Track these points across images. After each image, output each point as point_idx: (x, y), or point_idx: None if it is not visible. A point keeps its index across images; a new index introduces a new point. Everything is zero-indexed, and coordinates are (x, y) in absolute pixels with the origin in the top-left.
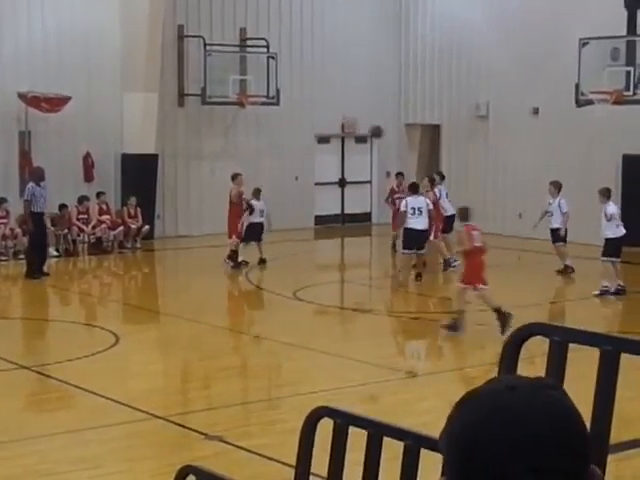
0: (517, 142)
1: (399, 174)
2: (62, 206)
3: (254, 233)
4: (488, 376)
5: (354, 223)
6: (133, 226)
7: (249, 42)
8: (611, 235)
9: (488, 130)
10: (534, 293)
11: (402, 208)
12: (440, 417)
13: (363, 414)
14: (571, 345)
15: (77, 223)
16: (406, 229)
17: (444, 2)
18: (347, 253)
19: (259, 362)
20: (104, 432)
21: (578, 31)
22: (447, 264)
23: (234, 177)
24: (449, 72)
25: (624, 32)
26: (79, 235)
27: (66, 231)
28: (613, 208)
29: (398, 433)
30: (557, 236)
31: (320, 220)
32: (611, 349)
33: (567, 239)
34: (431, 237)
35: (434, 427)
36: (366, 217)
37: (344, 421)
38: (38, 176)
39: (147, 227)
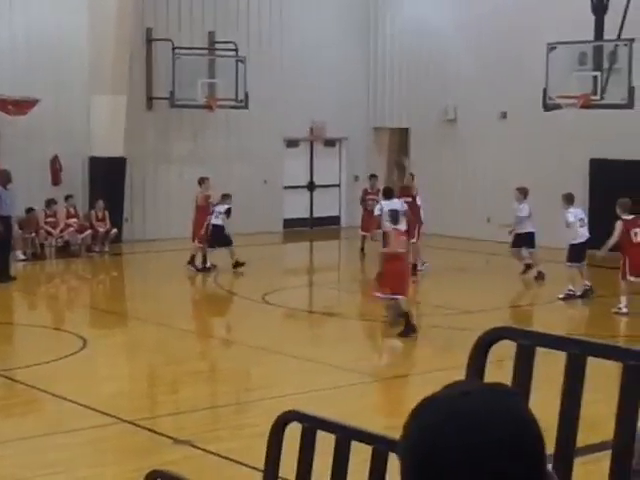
0: (485, 146)
1: (372, 176)
2: (29, 209)
3: (216, 237)
4: (456, 379)
5: (323, 227)
6: (101, 229)
7: (218, 45)
8: (572, 241)
9: (456, 134)
10: (502, 296)
11: (376, 212)
12: None
13: (331, 418)
14: (538, 348)
15: (45, 226)
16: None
17: (413, 6)
18: (316, 257)
19: (228, 366)
20: (72, 437)
21: (546, 36)
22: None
23: (201, 181)
24: (417, 76)
25: (591, 37)
26: (47, 239)
27: (33, 234)
28: (572, 216)
29: (366, 437)
30: (524, 241)
31: (289, 224)
32: (578, 352)
33: (525, 243)
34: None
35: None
36: (335, 220)
37: (312, 425)
38: (5, 179)
39: (115, 230)
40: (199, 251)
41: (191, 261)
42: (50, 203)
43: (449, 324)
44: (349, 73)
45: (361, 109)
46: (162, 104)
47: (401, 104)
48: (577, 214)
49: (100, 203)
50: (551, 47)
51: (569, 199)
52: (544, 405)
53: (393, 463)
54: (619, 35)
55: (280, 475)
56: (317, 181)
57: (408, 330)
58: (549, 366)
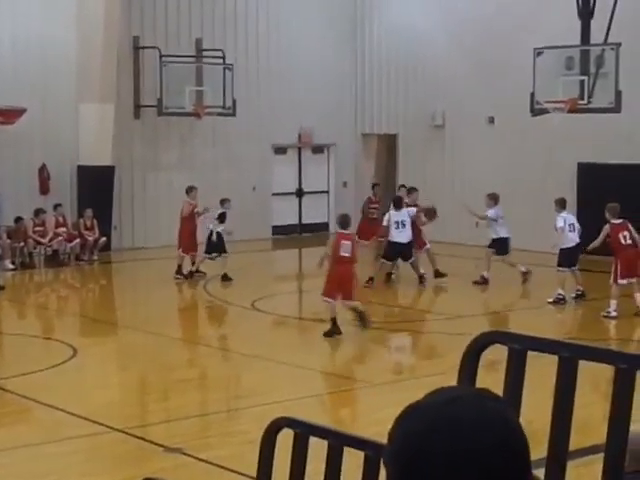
0: (473, 151)
1: (375, 185)
2: (18, 219)
3: (213, 244)
4: (447, 384)
5: (311, 233)
6: (90, 238)
7: (205, 53)
8: (562, 245)
9: (444, 139)
10: (492, 301)
11: (385, 223)
12: None
13: (323, 424)
14: (530, 352)
15: (33, 236)
16: (390, 242)
17: (400, 12)
18: (305, 263)
19: (218, 373)
20: (62, 446)
21: (533, 41)
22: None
23: (189, 190)
24: (405, 82)
25: (578, 41)
26: (35, 248)
27: (22, 244)
28: (562, 220)
29: (359, 443)
30: (497, 246)
31: (277, 230)
32: (569, 356)
33: (497, 248)
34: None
35: None
36: (323, 227)
37: (304, 431)
38: None
39: (104, 239)
40: (184, 260)
41: (178, 271)
42: (39, 212)
43: (440, 329)
44: (337, 80)
45: (349, 115)
46: (150, 112)
47: (389, 110)
48: (568, 219)
49: (88, 212)
50: (538, 52)
51: (561, 204)
52: (536, 409)
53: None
54: (606, 39)
55: None
56: (305, 188)
57: (332, 331)
58: (541, 370)
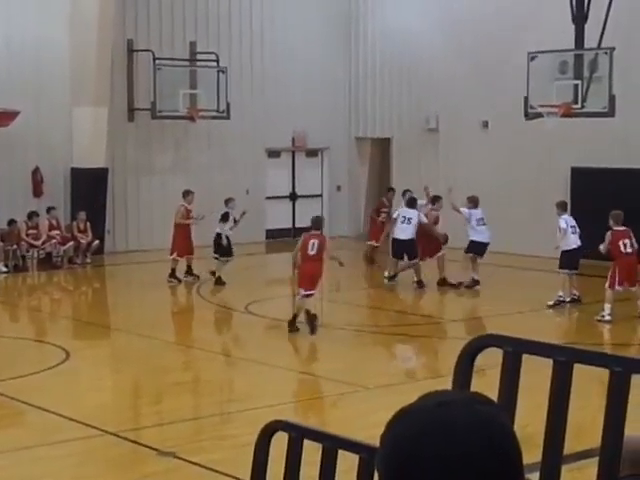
0: (467, 155)
1: (390, 189)
2: (11, 221)
3: (219, 246)
4: (441, 388)
5: None
6: (83, 241)
7: (199, 56)
8: (564, 247)
9: (438, 143)
10: (488, 305)
11: (393, 216)
12: None
13: (317, 427)
14: (525, 356)
15: (27, 239)
16: (392, 239)
17: (394, 16)
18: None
19: (211, 377)
20: (55, 449)
21: (527, 45)
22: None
23: (185, 194)
24: (399, 86)
25: (572, 46)
26: (28, 251)
27: (15, 247)
28: (563, 222)
29: (353, 446)
30: (474, 249)
31: (271, 234)
32: (564, 359)
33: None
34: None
35: None
36: None
37: (298, 434)
38: None
39: (97, 242)
40: (177, 264)
41: (172, 274)
42: (32, 215)
43: (435, 333)
44: (331, 83)
45: (343, 119)
46: (144, 115)
47: (383, 114)
48: (569, 221)
49: (82, 215)
50: (532, 56)
51: (562, 206)
52: (531, 413)
53: None
54: (599, 44)
55: None
56: (299, 191)
57: (313, 328)
58: (536, 373)
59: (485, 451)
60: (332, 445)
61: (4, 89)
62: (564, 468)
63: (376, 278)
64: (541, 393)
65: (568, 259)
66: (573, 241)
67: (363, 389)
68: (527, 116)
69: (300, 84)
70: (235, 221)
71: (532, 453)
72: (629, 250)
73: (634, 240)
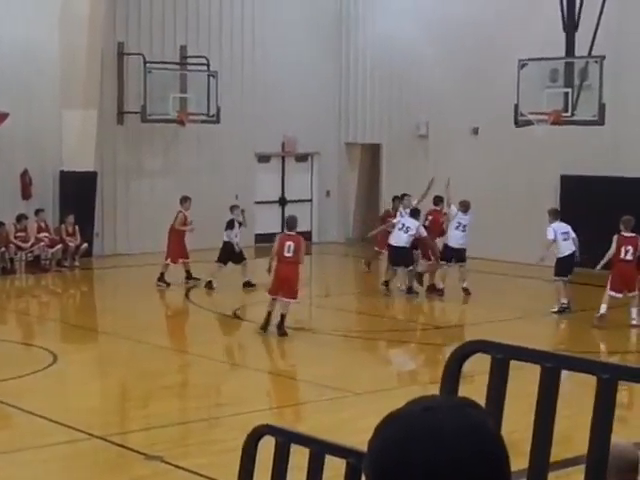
0: (457, 162)
1: (396, 198)
2: (0, 224)
3: (227, 253)
4: (429, 394)
5: None
6: (71, 244)
7: (189, 60)
8: (558, 255)
9: (428, 149)
10: (474, 312)
11: (394, 221)
12: None
13: (305, 432)
14: (513, 362)
15: (15, 241)
16: (387, 245)
17: (385, 22)
18: None
19: (198, 381)
20: (42, 452)
21: (517, 52)
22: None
23: (183, 200)
24: (389, 92)
25: (562, 54)
26: (17, 253)
27: (3, 249)
28: (551, 232)
29: (340, 451)
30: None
31: (260, 239)
32: (552, 366)
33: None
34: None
35: None
36: (306, 236)
37: (286, 439)
38: None
39: (85, 245)
40: (168, 268)
41: (161, 278)
42: (20, 218)
43: (423, 339)
44: (321, 88)
45: (333, 124)
46: (133, 118)
47: (373, 120)
48: (559, 229)
49: (70, 218)
50: (522, 64)
51: (553, 214)
52: (519, 419)
53: None
54: (590, 52)
55: None
56: (289, 196)
57: (282, 332)
58: (524, 380)
59: (473, 456)
60: (319, 450)
61: None
62: (551, 475)
63: (365, 284)
64: (529, 399)
65: (562, 266)
66: (566, 248)
67: (351, 394)
68: (517, 123)
69: (290, 89)
70: (240, 224)
71: (519, 460)
72: (629, 257)
73: (639, 249)
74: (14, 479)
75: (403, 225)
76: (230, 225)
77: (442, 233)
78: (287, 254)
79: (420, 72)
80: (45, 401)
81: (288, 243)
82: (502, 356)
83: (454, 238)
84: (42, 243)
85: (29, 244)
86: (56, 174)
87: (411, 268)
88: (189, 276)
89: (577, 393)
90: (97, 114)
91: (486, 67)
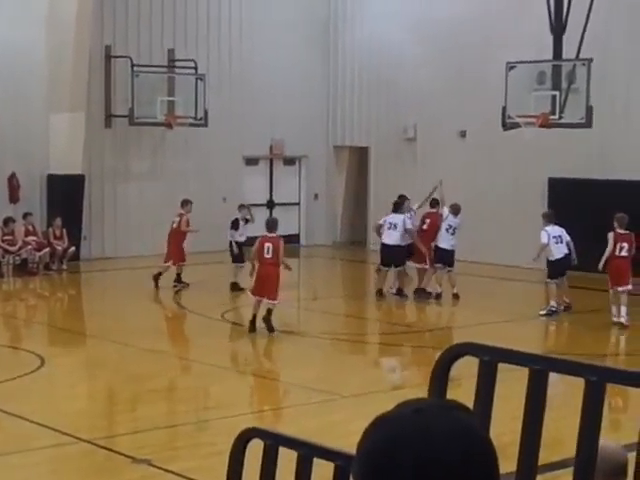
0: (445, 165)
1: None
2: None
3: (236, 254)
4: (418, 396)
5: None
6: (59, 247)
7: (177, 63)
8: (551, 257)
9: (416, 153)
10: (462, 315)
11: (380, 222)
12: None
13: (293, 435)
14: (502, 365)
15: (2, 244)
16: (381, 245)
17: (372, 25)
18: None
19: (186, 385)
20: (29, 456)
21: (505, 55)
22: (399, 292)
23: (184, 203)
24: (377, 95)
25: (550, 56)
26: (4, 256)
27: None
28: (545, 235)
29: (329, 454)
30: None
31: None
32: (540, 368)
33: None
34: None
35: None
36: (294, 239)
37: (274, 442)
38: None
39: (73, 248)
40: (168, 270)
41: (157, 278)
42: (8, 221)
43: (412, 342)
44: (309, 91)
45: (321, 127)
46: (121, 121)
47: (361, 123)
48: (552, 232)
49: (58, 221)
50: (510, 66)
51: (547, 217)
52: (507, 422)
53: None
54: (577, 55)
55: None
56: (276, 199)
57: (268, 324)
58: (513, 382)
59: (462, 459)
60: (308, 453)
61: None
62: (539, 478)
63: (353, 287)
64: (518, 402)
65: (555, 268)
66: (559, 251)
67: (339, 397)
68: (505, 126)
69: (278, 92)
70: (247, 221)
71: (507, 462)
72: (624, 254)
73: (634, 245)
74: None
75: (390, 224)
76: (235, 225)
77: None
78: (266, 255)
79: (408, 75)
80: (32, 404)
81: (267, 245)
82: (490, 359)
83: (444, 240)
84: (30, 246)
85: (17, 247)
86: (44, 177)
87: (401, 269)
88: (179, 279)
89: (567, 396)
90: (85, 117)
91: (474, 70)
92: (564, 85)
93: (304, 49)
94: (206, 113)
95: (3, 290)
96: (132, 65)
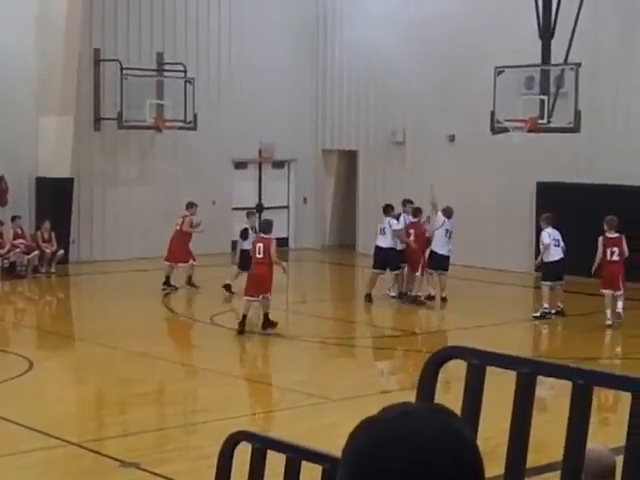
0: (434, 169)
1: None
2: None
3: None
4: (407, 400)
5: None
6: (47, 250)
7: (166, 67)
8: (547, 259)
9: (405, 156)
10: (452, 318)
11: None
12: None
13: (282, 438)
14: (491, 369)
15: None
16: (374, 247)
17: (362, 28)
18: None
19: (175, 388)
20: (17, 459)
21: (494, 59)
22: (401, 296)
23: (189, 205)
24: (366, 98)
25: (539, 61)
26: None
27: None
28: (547, 236)
29: (317, 457)
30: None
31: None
32: (527, 372)
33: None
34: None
35: None
36: (283, 242)
37: (262, 445)
38: None
39: (61, 252)
40: (173, 270)
41: (189, 281)
42: None
43: (400, 346)
44: (298, 95)
45: (310, 131)
46: (110, 125)
47: (350, 126)
48: (553, 234)
49: (46, 224)
50: (499, 71)
51: (547, 220)
52: (496, 425)
53: None
54: (566, 60)
55: None
56: (266, 203)
57: (267, 325)
58: (502, 385)
59: (448, 462)
60: (296, 456)
61: None
62: None
63: (342, 290)
64: (507, 405)
65: (550, 270)
66: (556, 253)
67: (328, 401)
68: (493, 131)
69: (267, 96)
70: (255, 229)
71: (496, 465)
72: (615, 258)
73: (624, 248)
74: None
75: (380, 228)
76: (244, 235)
77: (428, 244)
78: (258, 255)
79: (397, 79)
80: (21, 408)
81: (258, 245)
82: (478, 362)
83: (442, 245)
84: (18, 249)
85: (5, 250)
86: (32, 180)
87: (397, 272)
88: (167, 281)
89: (556, 399)
90: (73, 120)
91: (463, 74)
92: (552, 90)
93: (293, 53)
94: (195, 117)
95: None
96: (121, 68)
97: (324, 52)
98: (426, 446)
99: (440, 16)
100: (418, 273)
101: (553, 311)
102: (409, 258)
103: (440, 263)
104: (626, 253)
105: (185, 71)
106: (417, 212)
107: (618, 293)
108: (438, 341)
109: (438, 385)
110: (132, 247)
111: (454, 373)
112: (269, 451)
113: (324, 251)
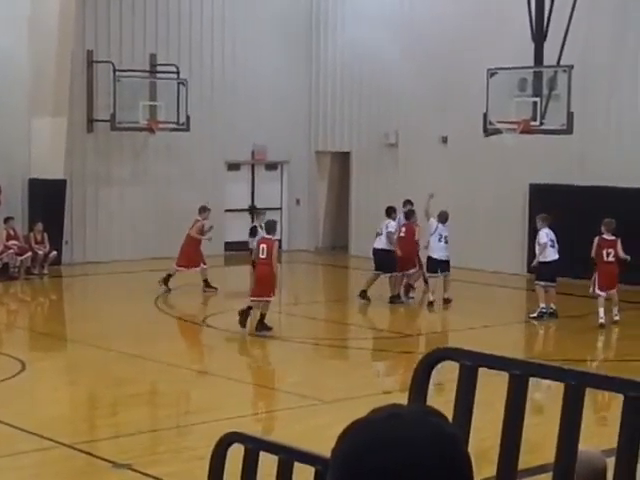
0: (426, 170)
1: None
2: None
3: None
4: (400, 402)
5: None
6: (40, 252)
7: (159, 68)
8: (542, 259)
9: (397, 158)
10: (445, 320)
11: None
12: None
13: (274, 439)
14: (484, 370)
15: None
16: (372, 250)
17: (355, 31)
18: None
19: (168, 389)
20: (9, 461)
21: (486, 61)
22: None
23: (202, 210)
24: (359, 100)
25: (531, 63)
26: None
27: None
28: (544, 236)
29: (309, 458)
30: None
31: (230, 247)
32: (520, 373)
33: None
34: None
35: None
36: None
37: (255, 446)
38: None
39: (54, 253)
40: (176, 273)
41: (207, 283)
42: None
43: (393, 347)
44: (291, 97)
45: (303, 132)
46: (103, 126)
47: (343, 128)
48: (550, 235)
49: (39, 225)
50: (492, 72)
51: (544, 220)
52: (489, 426)
53: None
54: (558, 62)
55: None
56: (258, 204)
57: (262, 327)
58: (496, 387)
59: (436, 463)
60: (288, 457)
61: None
62: None
63: (335, 292)
64: (499, 407)
65: (546, 271)
66: (552, 254)
67: (321, 402)
68: (486, 132)
69: (260, 97)
70: (262, 227)
71: (488, 467)
72: (611, 259)
73: (620, 250)
74: None
75: (377, 233)
76: (253, 233)
77: (417, 245)
78: (261, 256)
79: (390, 80)
80: (13, 409)
81: (262, 246)
82: (470, 363)
83: (437, 250)
84: (11, 251)
85: None
86: (25, 182)
87: (391, 275)
88: (165, 282)
89: (548, 400)
90: (66, 122)
91: (455, 76)
92: (545, 91)
93: (286, 55)
94: (188, 118)
95: None
96: (114, 70)
97: (317, 54)
98: (415, 447)
99: (433, 18)
100: (415, 269)
101: (546, 311)
102: (398, 260)
103: (439, 266)
104: (621, 255)
105: (178, 72)
106: (409, 214)
107: (613, 292)
108: (431, 343)
109: (431, 387)
110: (125, 248)
111: (449, 374)
112: (261, 452)
113: (317, 253)
